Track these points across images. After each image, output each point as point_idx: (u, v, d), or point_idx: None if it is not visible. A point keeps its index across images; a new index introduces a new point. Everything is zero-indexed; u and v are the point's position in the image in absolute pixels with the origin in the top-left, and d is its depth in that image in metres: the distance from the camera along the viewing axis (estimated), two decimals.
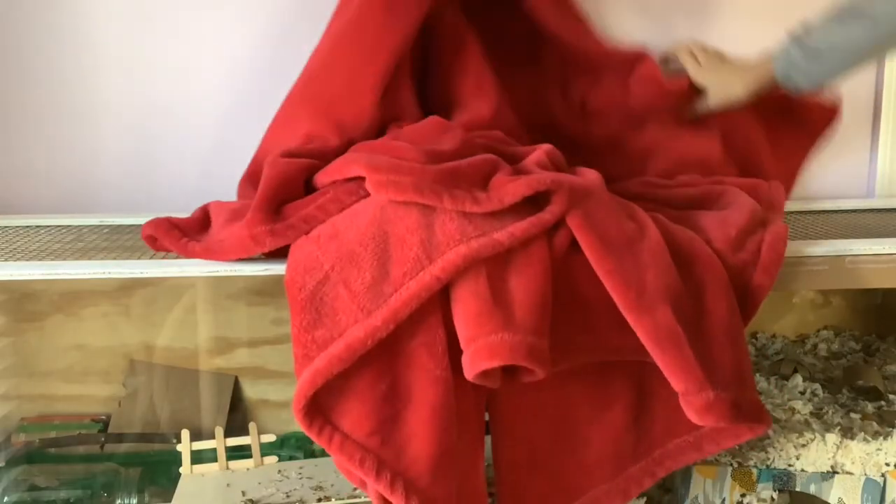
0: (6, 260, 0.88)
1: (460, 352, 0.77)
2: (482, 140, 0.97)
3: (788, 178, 1.18)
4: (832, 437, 1.04)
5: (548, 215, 0.81)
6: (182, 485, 1.01)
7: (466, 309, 0.76)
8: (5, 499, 1.07)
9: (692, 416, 0.78)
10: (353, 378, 0.76)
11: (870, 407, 1.15)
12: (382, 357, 0.76)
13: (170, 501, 0.98)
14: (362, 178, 0.85)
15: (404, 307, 0.76)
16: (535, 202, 0.83)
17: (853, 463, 1.04)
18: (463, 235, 0.78)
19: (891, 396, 1.18)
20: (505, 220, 0.81)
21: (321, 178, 0.90)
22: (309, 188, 0.91)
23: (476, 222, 0.80)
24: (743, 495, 1.05)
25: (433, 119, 1.02)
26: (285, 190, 0.88)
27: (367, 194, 0.85)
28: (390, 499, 0.76)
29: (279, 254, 0.85)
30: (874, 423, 1.09)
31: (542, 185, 0.82)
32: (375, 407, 0.77)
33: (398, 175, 0.81)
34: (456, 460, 0.78)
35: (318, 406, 0.77)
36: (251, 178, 1.00)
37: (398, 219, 0.80)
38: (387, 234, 0.80)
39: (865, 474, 1.05)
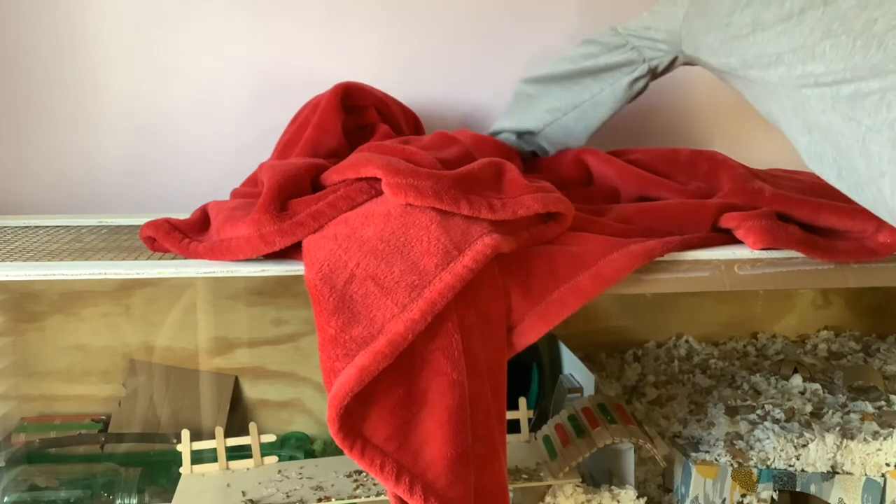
0: (3, 260, 0.88)
1: (473, 356, 0.79)
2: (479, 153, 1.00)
3: None
4: (832, 437, 1.04)
5: (549, 233, 0.88)
6: (182, 485, 1.01)
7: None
8: (5, 499, 1.07)
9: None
10: (371, 382, 0.75)
11: (870, 407, 1.15)
12: (399, 361, 0.76)
13: (170, 501, 0.98)
14: (374, 178, 0.85)
15: (441, 298, 0.76)
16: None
17: (853, 463, 1.04)
18: (482, 230, 0.80)
19: (891, 396, 1.18)
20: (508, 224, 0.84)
21: (331, 176, 0.89)
22: (314, 189, 0.91)
23: (485, 225, 0.82)
24: (743, 495, 1.05)
25: (439, 133, 1.06)
26: (293, 189, 0.88)
27: (379, 193, 0.85)
28: (410, 502, 0.76)
29: (282, 253, 0.84)
30: (874, 423, 1.09)
31: (556, 207, 0.86)
32: (392, 411, 0.77)
33: (417, 179, 0.81)
34: (472, 462, 0.78)
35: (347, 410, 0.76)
36: (247, 195, 1.00)
37: (416, 214, 0.80)
38: (407, 228, 0.80)
39: (865, 474, 1.05)
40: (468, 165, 0.88)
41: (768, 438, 1.06)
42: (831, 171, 0.86)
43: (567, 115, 1.15)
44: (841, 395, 1.20)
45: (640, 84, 1.11)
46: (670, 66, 1.10)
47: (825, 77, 0.82)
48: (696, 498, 1.04)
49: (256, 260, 0.85)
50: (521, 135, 1.20)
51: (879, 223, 0.90)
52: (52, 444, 1.16)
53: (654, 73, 1.11)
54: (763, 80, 0.89)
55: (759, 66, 0.89)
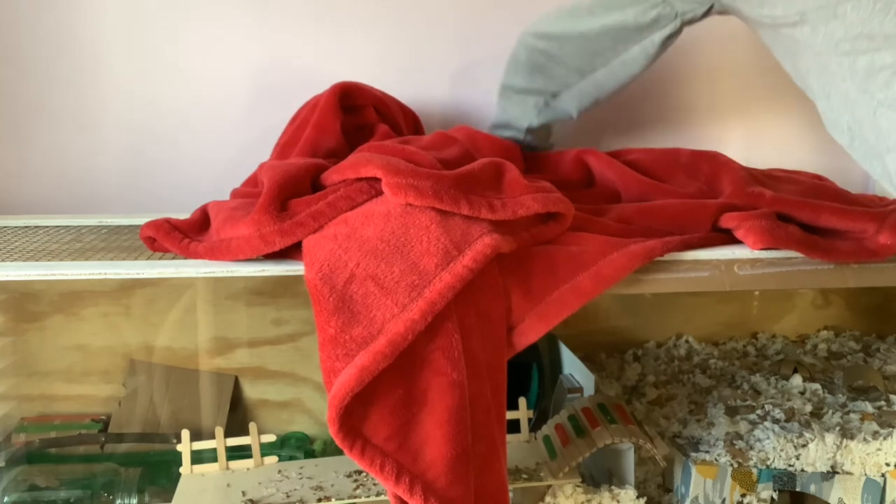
0: (3, 260, 0.88)
1: (473, 356, 0.79)
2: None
3: None
4: (832, 437, 1.04)
5: (549, 233, 0.88)
6: (182, 485, 1.01)
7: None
8: (5, 499, 1.07)
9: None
10: (371, 382, 0.75)
11: (870, 407, 1.15)
12: (399, 361, 0.76)
13: (170, 501, 0.98)
14: (374, 178, 0.85)
15: (440, 298, 0.76)
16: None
17: (853, 463, 1.04)
18: (482, 230, 0.80)
19: (891, 396, 1.18)
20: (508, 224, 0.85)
21: (331, 176, 0.89)
22: (314, 189, 0.91)
23: (485, 224, 0.82)
24: (743, 495, 1.05)
25: (439, 133, 1.06)
26: (293, 189, 0.88)
27: (379, 193, 0.85)
28: (410, 502, 0.76)
29: (282, 253, 0.84)
30: (874, 423, 1.09)
31: (556, 207, 0.86)
32: (392, 411, 0.77)
33: (417, 179, 0.81)
34: (472, 462, 0.78)
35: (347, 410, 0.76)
36: (247, 195, 1.00)
37: (416, 214, 0.80)
38: (407, 228, 0.80)
39: (865, 474, 1.05)
40: (468, 165, 0.88)
41: (768, 438, 1.06)
42: (845, 137, 0.87)
43: (597, 72, 1.11)
44: (841, 395, 1.19)
45: (673, 41, 1.07)
46: (704, 16, 1.05)
47: (844, 44, 0.82)
48: (696, 498, 1.04)
49: (256, 260, 0.85)
50: (535, 119, 1.17)
51: (880, 224, 0.90)
52: (52, 444, 1.16)
53: (686, 24, 1.06)
54: (792, 38, 0.90)
55: (788, 23, 0.89)
